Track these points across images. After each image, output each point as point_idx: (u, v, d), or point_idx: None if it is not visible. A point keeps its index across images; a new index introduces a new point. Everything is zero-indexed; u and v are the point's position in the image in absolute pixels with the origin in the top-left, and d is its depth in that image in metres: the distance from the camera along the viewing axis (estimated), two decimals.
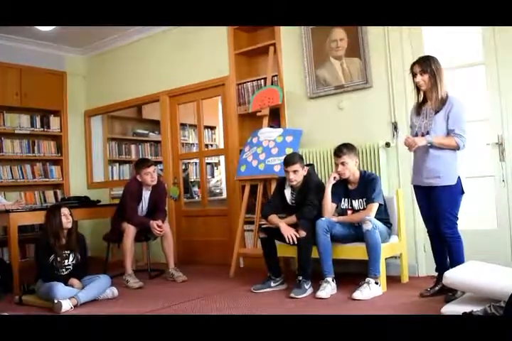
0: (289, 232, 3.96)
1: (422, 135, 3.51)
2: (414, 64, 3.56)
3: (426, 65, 3.48)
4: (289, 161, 4.14)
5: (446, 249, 3.55)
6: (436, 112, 3.47)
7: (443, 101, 3.46)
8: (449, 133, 3.44)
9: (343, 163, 3.98)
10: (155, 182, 4.91)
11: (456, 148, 3.43)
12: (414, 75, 3.54)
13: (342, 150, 4.00)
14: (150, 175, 4.86)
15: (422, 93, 3.59)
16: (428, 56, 3.56)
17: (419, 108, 3.61)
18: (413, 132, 3.63)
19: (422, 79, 3.49)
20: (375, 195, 3.90)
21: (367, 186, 3.96)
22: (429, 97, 3.53)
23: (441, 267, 3.57)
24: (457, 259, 3.44)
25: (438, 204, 3.49)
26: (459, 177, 3.46)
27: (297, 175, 4.12)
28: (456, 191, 3.47)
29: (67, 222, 4.09)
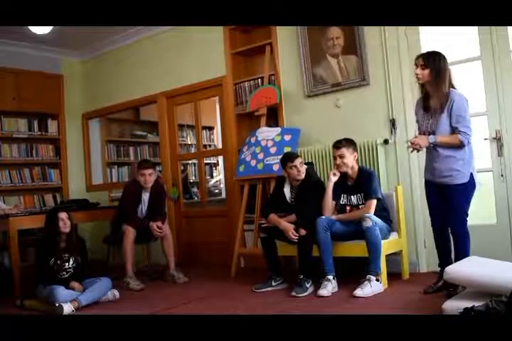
0: (290, 230, 3.96)
1: (429, 134, 3.49)
2: (419, 56, 3.52)
3: (430, 60, 3.44)
4: (291, 156, 4.14)
5: (452, 245, 3.54)
6: (441, 112, 3.43)
7: (444, 100, 3.41)
8: (453, 130, 3.43)
9: (340, 156, 3.96)
10: (148, 185, 4.90)
11: (459, 145, 3.41)
12: (416, 67, 3.50)
13: (341, 142, 3.99)
14: (144, 177, 4.86)
15: (423, 88, 3.55)
16: (436, 52, 3.49)
17: (424, 104, 3.56)
18: (420, 129, 3.62)
19: (422, 74, 3.46)
20: (373, 190, 3.89)
21: (365, 181, 3.95)
22: (431, 93, 3.49)
23: (445, 263, 3.54)
24: (463, 255, 3.41)
25: (450, 202, 3.48)
26: (471, 173, 3.45)
27: (303, 168, 4.12)
28: (468, 188, 3.46)
29: (64, 226, 4.08)
